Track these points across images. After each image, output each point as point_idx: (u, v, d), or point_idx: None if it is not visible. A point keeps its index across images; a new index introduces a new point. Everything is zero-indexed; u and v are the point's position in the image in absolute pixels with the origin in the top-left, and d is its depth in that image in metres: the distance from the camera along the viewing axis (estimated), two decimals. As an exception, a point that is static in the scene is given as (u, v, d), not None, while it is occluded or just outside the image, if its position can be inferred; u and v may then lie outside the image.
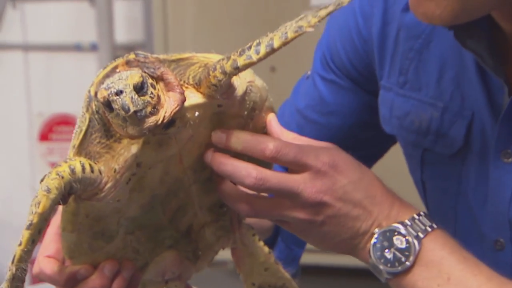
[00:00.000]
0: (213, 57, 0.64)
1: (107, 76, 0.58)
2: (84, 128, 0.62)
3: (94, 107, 0.58)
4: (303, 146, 0.67)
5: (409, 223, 0.67)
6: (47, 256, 0.70)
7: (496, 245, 0.80)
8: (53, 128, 2.76)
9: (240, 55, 0.58)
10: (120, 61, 0.59)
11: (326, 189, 0.67)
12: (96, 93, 0.56)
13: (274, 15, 2.18)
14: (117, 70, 0.60)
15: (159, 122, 0.55)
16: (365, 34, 0.87)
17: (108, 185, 0.62)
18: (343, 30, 0.90)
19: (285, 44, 0.57)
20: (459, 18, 0.66)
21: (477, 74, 0.76)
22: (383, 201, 0.70)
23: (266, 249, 0.79)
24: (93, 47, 2.44)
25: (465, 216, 0.86)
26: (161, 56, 0.61)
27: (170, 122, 0.57)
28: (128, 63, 0.59)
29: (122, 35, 2.48)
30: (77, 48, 2.51)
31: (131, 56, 0.59)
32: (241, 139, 0.66)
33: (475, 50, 0.72)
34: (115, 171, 0.61)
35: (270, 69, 2.14)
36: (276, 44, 0.57)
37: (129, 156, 0.61)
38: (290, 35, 0.57)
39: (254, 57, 0.58)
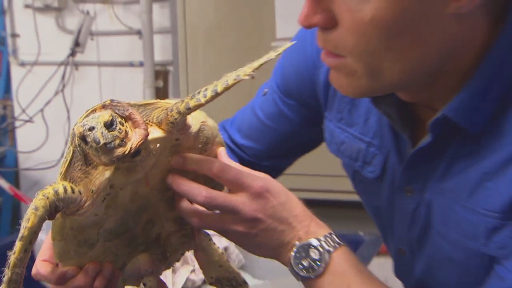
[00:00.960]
0: (170, 103, 0.79)
1: (86, 116, 0.73)
2: (68, 158, 0.75)
3: (76, 141, 0.70)
4: (243, 170, 0.82)
5: (322, 239, 0.80)
6: (43, 260, 0.82)
7: (399, 252, 0.96)
8: None
9: (191, 98, 0.72)
10: (98, 105, 0.74)
11: (260, 208, 0.79)
12: (75, 129, 0.70)
13: (252, 44, 2.48)
14: (98, 110, 0.74)
15: (126, 152, 0.68)
16: (314, 79, 0.98)
17: (87, 203, 0.74)
18: (298, 70, 1.01)
19: (226, 89, 0.71)
20: (367, 95, 0.81)
21: (390, 126, 0.86)
22: (304, 220, 0.82)
23: (220, 250, 0.93)
24: (141, 64, 2.88)
25: (382, 225, 1.02)
26: (132, 102, 0.76)
27: (136, 152, 0.69)
28: (104, 107, 0.73)
29: (158, 56, 2.88)
30: (131, 64, 2.99)
31: (107, 101, 0.73)
32: (194, 159, 0.79)
33: (386, 112, 0.81)
34: (92, 192, 0.73)
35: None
36: (219, 89, 0.71)
37: (103, 180, 0.73)
38: (230, 82, 0.70)
39: (203, 100, 0.71)
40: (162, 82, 2.97)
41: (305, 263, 0.80)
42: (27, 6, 3.00)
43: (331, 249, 0.80)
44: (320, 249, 0.81)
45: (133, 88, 3.02)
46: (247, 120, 1.16)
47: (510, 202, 0.73)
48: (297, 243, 0.81)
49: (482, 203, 0.76)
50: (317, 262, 0.80)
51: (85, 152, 0.72)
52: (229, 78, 0.72)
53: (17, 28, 3.16)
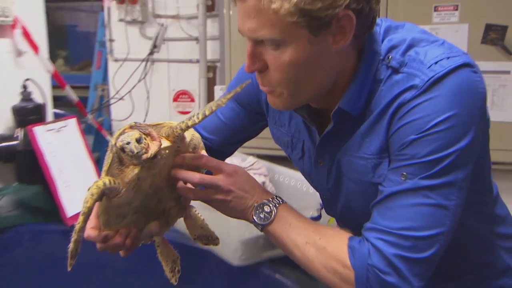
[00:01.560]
0: (174, 123, 1.02)
1: (121, 134, 0.94)
2: (109, 161, 0.97)
3: (114, 150, 0.94)
4: (220, 161, 1.09)
5: (271, 200, 1.08)
6: (91, 227, 1.02)
7: (324, 199, 1.24)
8: (179, 96, 3.65)
9: (189, 119, 0.97)
10: (127, 126, 0.96)
11: (232, 182, 1.05)
12: (115, 143, 0.92)
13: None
14: (126, 131, 0.95)
15: (148, 157, 0.91)
16: (259, 97, 1.24)
17: (123, 190, 0.97)
18: (248, 90, 1.21)
19: (211, 113, 0.98)
20: (291, 108, 1.07)
21: (304, 123, 1.13)
22: (259, 191, 1.09)
23: (201, 217, 1.20)
24: (197, 61, 3.40)
25: (313, 184, 1.28)
26: (149, 123, 1.01)
27: (154, 156, 0.93)
28: (131, 127, 0.95)
29: (209, 56, 3.39)
30: (190, 61, 3.51)
31: (132, 123, 0.96)
32: (190, 157, 1.04)
33: (301, 113, 1.09)
34: (126, 183, 0.96)
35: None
36: (207, 113, 0.97)
37: (134, 175, 0.95)
38: (214, 108, 0.97)
39: (197, 121, 0.96)
40: (212, 74, 3.46)
41: (261, 215, 1.06)
42: (120, 20, 3.53)
43: (277, 205, 1.07)
44: (270, 205, 1.07)
45: (191, 78, 3.52)
46: (210, 121, 1.33)
47: (380, 147, 0.99)
48: (255, 204, 1.06)
49: (366, 151, 1.02)
50: (269, 213, 1.06)
51: (121, 157, 0.95)
52: (212, 105, 0.99)
53: (113, 35, 3.67)
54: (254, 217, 1.05)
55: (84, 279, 1.80)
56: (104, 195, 0.96)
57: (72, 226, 1.35)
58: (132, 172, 0.95)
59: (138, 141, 0.91)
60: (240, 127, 1.33)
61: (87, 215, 0.94)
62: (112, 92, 3.62)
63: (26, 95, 1.94)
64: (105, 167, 0.98)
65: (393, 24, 1.04)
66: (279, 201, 1.07)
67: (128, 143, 0.90)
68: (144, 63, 3.43)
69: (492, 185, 1.17)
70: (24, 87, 1.94)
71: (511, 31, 2.54)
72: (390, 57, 0.98)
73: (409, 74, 0.94)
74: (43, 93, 2.06)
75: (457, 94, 0.90)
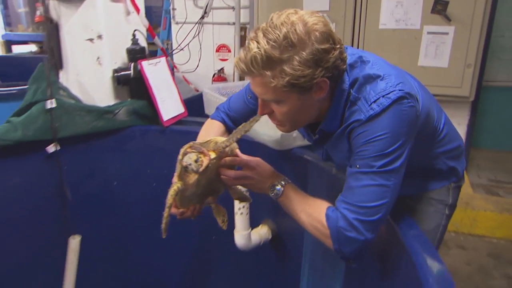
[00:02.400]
0: (218, 140, 1.13)
1: (185, 153, 1.07)
2: (179, 170, 1.09)
3: (182, 165, 1.06)
4: (248, 158, 1.17)
5: (281, 181, 1.15)
6: (173, 207, 1.17)
7: (323, 157, 1.29)
8: (220, 48, 3.72)
9: (227, 141, 1.07)
10: (187, 145, 1.09)
11: (254, 173, 1.16)
12: (182, 163, 1.04)
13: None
14: (188, 150, 1.07)
15: (203, 169, 1.03)
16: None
17: (189, 188, 1.09)
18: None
19: (242, 135, 1.07)
20: (293, 131, 1.17)
21: (305, 129, 1.23)
22: (274, 175, 1.17)
23: (239, 187, 1.28)
24: (233, 23, 3.47)
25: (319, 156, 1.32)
26: (201, 142, 1.13)
27: (207, 167, 1.04)
28: (190, 147, 1.07)
29: (242, 19, 3.45)
30: (228, 24, 3.59)
31: (191, 144, 1.08)
32: (229, 160, 1.16)
33: (303, 126, 1.18)
34: (190, 184, 1.07)
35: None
36: (239, 136, 1.05)
37: (194, 179, 1.07)
38: (243, 133, 1.06)
39: (232, 142, 1.09)
40: (243, 32, 3.51)
41: (274, 193, 1.16)
42: (180, -6, 3.53)
43: (284, 185, 1.16)
44: (279, 185, 1.16)
45: (229, 35, 3.63)
46: (238, 105, 1.42)
47: (348, 148, 1.10)
48: (270, 185, 1.16)
49: (342, 148, 1.14)
50: (278, 191, 1.16)
51: (185, 170, 1.09)
52: (241, 131, 1.10)
53: (175, 5, 3.75)
54: (270, 193, 1.18)
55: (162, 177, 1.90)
56: (178, 192, 1.12)
57: (167, 127, 1.74)
58: (194, 177, 1.09)
59: (195, 160, 1.05)
60: (255, 112, 1.35)
61: (170, 205, 1.12)
62: (174, 45, 3.66)
63: (135, 41, 2.08)
64: (176, 173, 1.13)
65: (351, 61, 1.08)
66: (286, 182, 1.17)
67: (190, 164, 1.05)
68: (197, 25, 3.44)
69: (440, 132, 1.26)
70: (134, 35, 2.08)
71: (451, 5, 2.65)
72: (350, 93, 1.07)
73: (359, 109, 1.03)
74: (143, 40, 2.17)
75: (388, 121, 1.00)
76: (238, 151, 1.22)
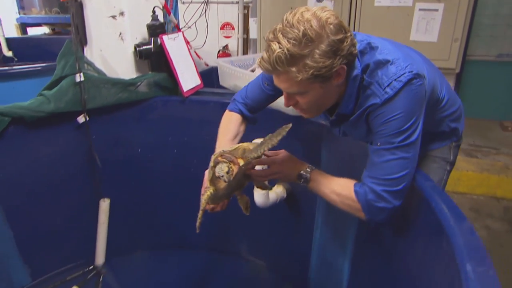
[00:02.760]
0: (247, 147, 1.14)
1: (216, 162, 1.10)
2: (210, 175, 1.12)
3: (213, 172, 1.09)
4: (273, 156, 1.21)
5: (306, 169, 1.17)
6: (207, 205, 1.19)
7: (339, 133, 1.27)
8: (224, 26, 3.55)
9: (255, 152, 1.07)
10: (218, 154, 1.12)
11: (281, 168, 1.19)
12: (213, 171, 1.07)
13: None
14: (219, 159, 1.10)
15: (233, 177, 1.06)
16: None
17: (221, 190, 1.12)
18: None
19: (272, 146, 1.05)
20: (317, 116, 1.15)
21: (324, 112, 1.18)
22: (299, 165, 1.19)
23: (266, 182, 1.30)
24: (237, 2, 3.30)
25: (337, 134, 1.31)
26: (230, 148, 1.15)
27: (237, 174, 1.08)
28: (221, 156, 1.11)
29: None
30: (232, 2, 3.42)
31: (221, 152, 1.12)
32: (258, 162, 1.20)
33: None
34: (221, 188, 1.12)
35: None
36: (266, 149, 1.05)
37: (225, 185, 1.11)
38: (270, 146, 1.05)
39: (260, 153, 1.07)
40: (246, 11, 3.37)
41: (301, 180, 1.19)
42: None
43: (309, 172, 1.19)
44: (305, 172, 1.19)
45: (233, 14, 3.46)
46: (256, 93, 1.39)
47: (366, 130, 1.11)
48: (297, 174, 1.19)
49: (360, 129, 1.14)
50: (305, 178, 1.19)
51: (217, 177, 1.13)
52: (270, 142, 1.08)
53: None
54: (298, 182, 1.20)
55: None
56: (211, 196, 1.16)
57: (186, 98, 1.71)
58: (224, 183, 1.13)
59: (227, 171, 1.09)
60: (271, 100, 1.40)
61: (204, 207, 1.17)
62: (182, 24, 3.48)
63: (154, 17, 2.02)
64: (208, 178, 1.16)
65: (360, 48, 1.07)
66: (311, 169, 1.19)
67: (222, 175, 1.09)
68: (203, 4, 3.39)
69: (442, 99, 1.25)
70: (153, 11, 2.02)
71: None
72: (363, 78, 1.06)
73: (373, 93, 1.04)
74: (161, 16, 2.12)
75: (402, 102, 1.00)
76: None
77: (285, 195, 1.88)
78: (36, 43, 3.59)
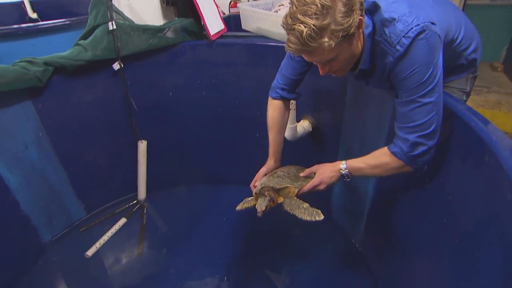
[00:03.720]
0: (292, 190, 1.32)
1: (262, 192, 1.35)
2: (254, 196, 1.41)
3: (256, 201, 1.36)
4: (315, 177, 1.32)
5: (342, 166, 1.28)
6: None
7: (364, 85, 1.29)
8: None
9: (298, 188, 1.32)
10: (267, 187, 1.33)
11: (322, 178, 1.30)
12: (256, 204, 1.33)
13: None
14: (266, 193, 1.32)
15: (266, 210, 1.31)
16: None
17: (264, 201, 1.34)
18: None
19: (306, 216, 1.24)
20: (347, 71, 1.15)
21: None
22: (335, 169, 1.29)
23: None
24: None
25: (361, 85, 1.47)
26: (278, 186, 1.33)
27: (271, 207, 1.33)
28: (268, 190, 1.33)
29: None
30: None
31: (271, 186, 1.33)
32: (307, 188, 1.32)
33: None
34: (263, 200, 1.33)
35: None
36: (303, 217, 1.24)
37: (266, 199, 1.32)
38: (308, 218, 1.23)
39: (298, 193, 1.32)
40: None
41: (344, 178, 1.31)
42: None
43: (345, 167, 1.28)
44: (343, 170, 1.30)
45: None
46: (287, 71, 1.43)
47: (390, 84, 1.12)
48: (338, 176, 1.31)
49: (384, 86, 1.18)
50: (346, 174, 1.30)
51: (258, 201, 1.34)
52: (310, 213, 1.27)
53: None
54: (342, 180, 1.32)
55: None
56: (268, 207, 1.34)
57: (213, 41, 1.77)
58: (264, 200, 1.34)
59: (264, 209, 1.28)
60: (305, 74, 1.45)
61: (262, 214, 1.33)
62: None
63: None
64: (253, 194, 1.40)
65: (367, 7, 1.09)
66: (345, 163, 1.29)
67: (263, 211, 1.28)
68: None
69: (458, 36, 1.26)
70: None
71: None
72: (375, 36, 1.09)
73: (385, 51, 1.07)
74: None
75: (415, 57, 1.02)
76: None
77: (311, 129, 1.98)
78: (59, 4, 3.53)
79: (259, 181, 1.48)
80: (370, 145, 1.65)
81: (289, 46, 1.00)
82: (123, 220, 2.23)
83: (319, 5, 0.94)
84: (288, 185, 1.33)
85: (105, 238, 2.11)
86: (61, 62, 1.85)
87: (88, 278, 1.87)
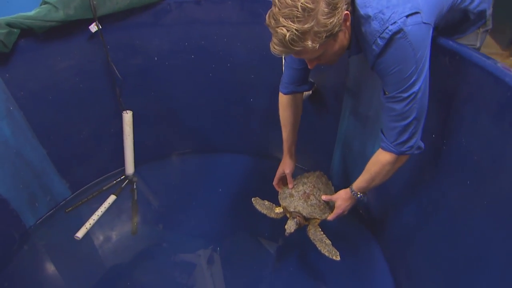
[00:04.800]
0: (318, 220, 1.51)
1: (293, 216, 1.52)
2: (281, 208, 1.57)
3: (276, 214, 1.57)
4: (337, 206, 1.44)
5: (353, 188, 1.37)
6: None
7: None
8: None
9: (321, 243, 1.47)
10: (299, 213, 1.51)
11: (344, 206, 1.43)
12: (285, 226, 1.47)
13: None
14: (297, 218, 1.50)
15: (297, 228, 1.49)
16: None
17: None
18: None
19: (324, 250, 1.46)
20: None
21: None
22: (346, 192, 1.41)
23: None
24: None
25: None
26: (309, 217, 1.51)
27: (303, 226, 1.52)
28: (298, 216, 1.52)
29: None
30: None
31: (300, 214, 1.51)
32: (333, 216, 1.47)
33: None
34: (293, 223, 1.49)
35: None
36: (323, 250, 1.46)
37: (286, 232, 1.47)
38: (326, 253, 1.44)
39: (325, 246, 1.45)
40: None
41: (361, 199, 1.40)
42: None
43: (356, 189, 1.38)
44: (356, 194, 1.39)
45: None
46: (290, 72, 1.45)
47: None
48: (356, 199, 1.41)
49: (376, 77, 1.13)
50: (361, 196, 1.38)
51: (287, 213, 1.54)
52: (329, 250, 1.47)
53: None
54: (360, 201, 1.41)
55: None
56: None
57: None
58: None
59: (293, 228, 1.47)
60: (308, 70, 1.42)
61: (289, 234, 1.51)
62: None
63: None
64: (282, 204, 1.57)
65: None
66: (353, 189, 1.37)
67: (290, 233, 1.45)
68: None
69: None
70: None
71: None
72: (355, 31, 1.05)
73: (366, 48, 1.05)
74: None
75: (392, 57, 0.99)
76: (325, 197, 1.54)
77: (311, 92, 1.84)
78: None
79: (277, 180, 1.64)
80: (376, 108, 1.54)
81: (274, 48, 0.98)
82: (112, 197, 2.06)
83: (300, 8, 0.90)
84: (317, 217, 1.48)
85: (94, 217, 1.94)
86: (27, 23, 1.58)
87: (80, 261, 1.75)
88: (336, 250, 1.42)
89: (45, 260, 1.77)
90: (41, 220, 1.94)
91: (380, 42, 0.97)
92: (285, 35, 0.93)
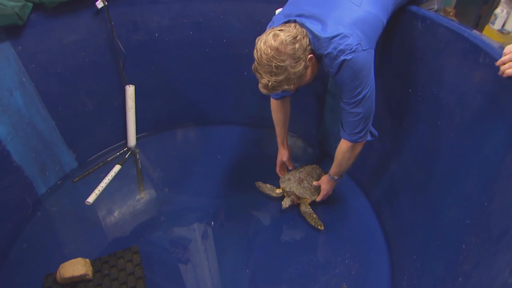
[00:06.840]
0: (309, 198, 1.79)
1: (289, 194, 1.80)
2: (280, 189, 1.85)
3: (275, 193, 1.85)
4: (323, 192, 1.75)
5: (331, 175, 1.67)
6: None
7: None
8: None
9: (312, 217, 1.74)
10: (295, 193, 1.79)
11: (327, 190, 1.74)
12: (282, 202, 1.77)
13: None
14: (292, 196, 1.79)
15: (291, 204, 1.79)
16: None
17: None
18: None
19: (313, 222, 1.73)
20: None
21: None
22: (327, 177, 1.70)
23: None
24: None
25: None
26: (300, 197, 1.79)
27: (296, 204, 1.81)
28: (293, 194, 1.80)
29: None
30: None
31: (294, 193, 1.78)
32: (321, 197, 1.77)
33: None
34: (288, 199, 1.78)
35: None
36: (314, 224, 1.73)
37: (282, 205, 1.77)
38: (312, 223, 1.73)
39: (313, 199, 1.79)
40: None
41: (337, 181, 1.67)
42: None
43: (331, 174, 1.64)
44: (334, 178, 1.65)
45: None
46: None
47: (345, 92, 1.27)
48: (334, 184, 1.69)
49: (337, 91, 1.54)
50: (337, 179, 1.66)
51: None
52: (316, 222, 1.74)
53: None
54: (337, 182, 1.67)
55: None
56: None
57: None
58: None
59: (287, 206, 1.73)
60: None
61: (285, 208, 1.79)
62: None
63: None
64: (275, 194, 1.84)
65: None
66: (330, 174, 1.65)
67: (286, 208, 1.73)
68: None
69: None
70: None
71: None
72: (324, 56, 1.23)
73: (328, 70, 1.25)
74: None
75: (342, 76, 1.21)
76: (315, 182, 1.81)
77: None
78: None
79: (279, 167, 1.89)
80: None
81: (261, 90, 1.24)
82: (117, 167, 2.13)
83: (274, 67, 1.16)
84: (307, 197, 1.76)
85: (103, 185, 2.01)
86: (39, -3, 1.62)
87: (93, 224, 1.80)
88: (321, 222, 1.69)
89: (59, 224, 1.82)
90: (51, 188, 1.98)
91: (332, 70, 1.22)
92: (268, 84, 1.19)
